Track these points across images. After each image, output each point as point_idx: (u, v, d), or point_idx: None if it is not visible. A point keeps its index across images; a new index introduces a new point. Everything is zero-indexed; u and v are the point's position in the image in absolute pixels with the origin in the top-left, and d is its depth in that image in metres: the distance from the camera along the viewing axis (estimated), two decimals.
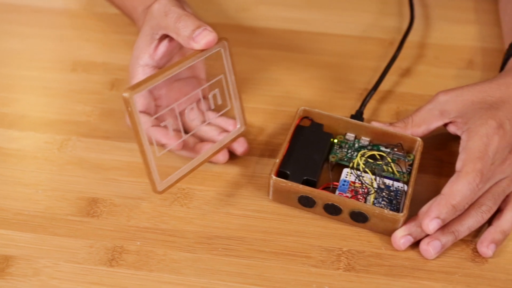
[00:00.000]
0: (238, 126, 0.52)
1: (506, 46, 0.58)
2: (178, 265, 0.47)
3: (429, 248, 0.47)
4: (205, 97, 0.54)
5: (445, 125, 0.52)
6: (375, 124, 0.53)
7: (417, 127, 0.52)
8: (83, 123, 0.57)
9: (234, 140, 0.51)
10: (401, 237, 0.47)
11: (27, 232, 0.48)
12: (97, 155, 0.54)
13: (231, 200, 0.51)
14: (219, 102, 0.51)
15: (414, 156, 0.51)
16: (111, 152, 0.55)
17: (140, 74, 0.51)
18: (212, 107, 0.51)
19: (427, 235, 0.47)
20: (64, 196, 0.51)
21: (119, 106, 0.59)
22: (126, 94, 0.43)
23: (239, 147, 0.52)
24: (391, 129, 0.52)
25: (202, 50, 0.47)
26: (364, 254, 0.48)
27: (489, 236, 0.47)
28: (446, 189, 0.46)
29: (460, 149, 0.48)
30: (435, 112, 0.52)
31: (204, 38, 0.46)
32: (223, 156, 0.51)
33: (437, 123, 0.52)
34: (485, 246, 0.47)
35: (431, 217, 0.45)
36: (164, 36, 0.50)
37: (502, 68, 0.57)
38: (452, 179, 0.47)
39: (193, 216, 0.50)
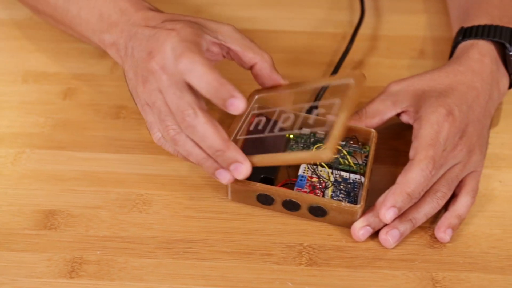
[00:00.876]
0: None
1: (454, 34, 0.59)
2: (140, 272, 0.46)
3: (388, 237, 0.47)
4: None
5: (398, 115, 0.53)
6: (330, 117, 0.53)
7: (371, 119, 0.53)
8: (36, 135, 0.56)
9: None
10: (360, 228, 0.47)
11: None
12: (52, 167, 0.53)
13: (190, 203, 0.51)
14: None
15: (370, 148, 0.52)
16: (67, 163, 0.54)
17: (204, 44, 0.48)
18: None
19: (385, 225, 0.48)
20: (21, 210, 0.50)
21: (73, 116, 0.58)
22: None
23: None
24: None
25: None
26: (325, 248, 0.48)
27: (446, 221, 0.48)
28: (400, 178, 0.47)
29: (413, 137, 0.49)
30: (388, 102, 0.52)
31: (281, 80, 0.51)
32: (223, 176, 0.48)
33: (390, 114, 0.53)
34: (442, 231, 0.48)
35: (387, 206, 0.46)
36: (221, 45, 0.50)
37: (451, 55, 0.58)
38: (406, 167, 0.47)
39: (152, 221, 0.50)
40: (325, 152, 0.43)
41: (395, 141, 0.56)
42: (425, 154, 0.47)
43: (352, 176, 0.50)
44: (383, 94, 0.53)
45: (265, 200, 0.49)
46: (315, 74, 0.62)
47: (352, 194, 0.49)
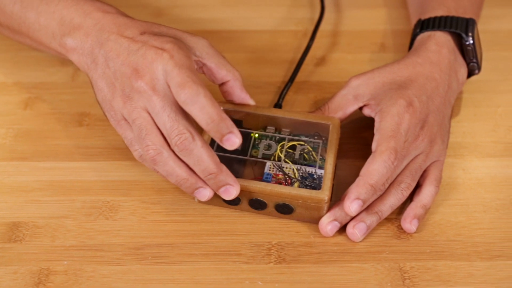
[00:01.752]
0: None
1: (412, 26, 0.60)
2: (108, 279, 0.46)
3: (355, 231, 0.47)
4: None
5: (360, 108, 0.53)
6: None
7: (334, 113, 0.53)
8: None
9: None
10: (328, 223, 0.48)
11: None
12: (15, 178, 0.53)
13: (157, 207, 0.51)
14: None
15: (327, 139, 0.51)
16: (30, 173, 0.53)
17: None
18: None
19: (352, 219, 0.48)
20: None
21: (35, 125, 0.57)
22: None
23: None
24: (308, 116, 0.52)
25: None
26: (294, 245, 0.48)
27: (411, 212, 0.49)
28: (363, 170, 0.47)
29: (375, 130, 0.50)
30: (349, 97, 0.53)
31: (250, 100, 0.52)
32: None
33: (352, 108, 0.53)
34: (408, 222, 0.48)
35: (352, 198, 0.46)
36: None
37: (410, 48, 0.58)
38: (369, 160, 0.48)
39: (119, 228, 0.49)
40: (323, 194, 0.47)
41: (361, 135, 0.56)
42: (386, 145, 0.47)
43: (318, 171, 0.50)
44: (344, 89, 0.53)
45: (231, 201, 0.49)
46: (278, 72, 0.62)
47: (318, 188, 0.49)
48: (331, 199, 0.48)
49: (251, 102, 0.52)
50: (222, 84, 0.52)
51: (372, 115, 0.51)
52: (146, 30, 0.50)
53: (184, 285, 0.45)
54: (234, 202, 0.49)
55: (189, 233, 0.49)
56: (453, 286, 0.45)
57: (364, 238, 0.48)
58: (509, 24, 0.69)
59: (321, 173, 0.50)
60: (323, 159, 0.51)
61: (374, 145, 0.48)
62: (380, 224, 0.49)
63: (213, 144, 0.51)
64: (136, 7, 0.70)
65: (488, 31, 0.65)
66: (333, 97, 0.54)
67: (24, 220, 0.49)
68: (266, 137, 0.53)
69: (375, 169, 0.47)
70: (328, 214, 0.48)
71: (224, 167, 0.47)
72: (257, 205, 0.49)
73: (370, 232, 0.49)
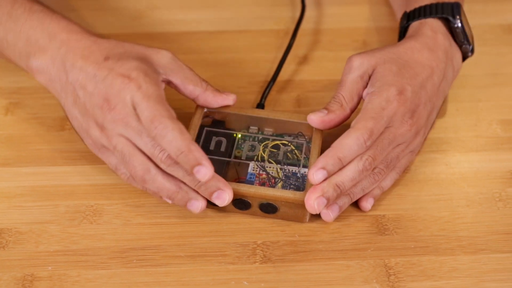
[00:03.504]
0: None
1: (398, 18, 0.60)
2: (93, 284, 0.46)
3: (328, 211, 0.47)
4: None
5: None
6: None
7: (351, 102, 0.51)
8: None
9: None
10: (315, 199, 0.46)
11: None
12: None
13: (141, 210, 0.50)
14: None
15: (311, 139, 0.51)
16: (12, 179, 0.53)
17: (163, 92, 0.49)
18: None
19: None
20: None
21: (16, 131, 0.57)
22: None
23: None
24: (327, 116, 0.50)
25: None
26: (279, 244, 0.48)
27: (370, 192, 0.49)
28: (335, 143, 0.47)
29: (361, 111, 0.49)
30: (358, 79, 0.51)
31: (228, 99, 0.52)
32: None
33: (362, 88, 0.51)
34: (365, 200, 0.49)
35: (317, 167, 0.46)
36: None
37: (400, 38, 0.58)
38: (344, 134, 0.47)
39: (104, 232, 0.49)
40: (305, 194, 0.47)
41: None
42: (364, 124, 0.47)
43: (302, 170, 0.51)
44: (349, 72, 0.51)
45: None
46: (260, 72, 0.62)
47: (301, 188, 0.49)
48: None
49: (231, 100, 0.52)
50: (194, 99, 0.52)
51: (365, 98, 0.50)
52: (110, 53, 0.49)
53: (170, 287, 0.45)
54: None
55: (174, 235, 0.49)
56: (438, 280, 0.46)
57: (349, 236, 0.48)
58: (489, 19, 0.69)
59: (305, 172, 0.50)
60: (307, 158, 0.51)
61: (353, 122, 0.48)
62: (365, 220, 0.49)
63: None
64: (115, 10, 0.70)
65: None
66: (341, 86, 0.51)
67: (7, 227, 0.49)
68: (249, 137, 0.53)
69: (347, 143, 0.46)
70: (313, 188, 0.46)
71: (214, 173, 0.47)
72: (241, 205, 0.49)
73: (354, 230, 0.49)
